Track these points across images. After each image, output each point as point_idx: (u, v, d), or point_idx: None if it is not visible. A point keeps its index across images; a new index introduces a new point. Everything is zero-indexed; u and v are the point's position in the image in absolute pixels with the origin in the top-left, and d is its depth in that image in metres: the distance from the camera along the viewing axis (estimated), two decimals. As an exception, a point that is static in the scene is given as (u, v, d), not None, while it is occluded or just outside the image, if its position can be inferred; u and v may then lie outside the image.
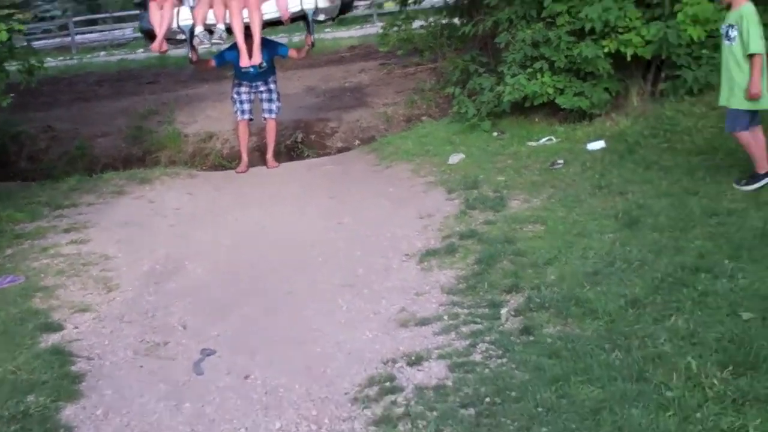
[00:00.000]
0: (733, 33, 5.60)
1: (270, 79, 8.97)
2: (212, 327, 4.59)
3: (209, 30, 8.07)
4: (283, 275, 5.41)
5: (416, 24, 14.67)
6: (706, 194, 5.69)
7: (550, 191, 6.49)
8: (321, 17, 8.44)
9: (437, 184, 7.23)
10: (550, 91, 8.28)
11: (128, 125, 11.29)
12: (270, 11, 8.17)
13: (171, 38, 8.35)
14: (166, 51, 8.47)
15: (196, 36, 8.00)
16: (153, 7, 7.94)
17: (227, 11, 8.00)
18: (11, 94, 7.60)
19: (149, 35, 8.34)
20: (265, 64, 8.52)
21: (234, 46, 8.61)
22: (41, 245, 6.29)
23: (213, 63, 9.20)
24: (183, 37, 8.24)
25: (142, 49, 24.40)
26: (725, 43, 5.73)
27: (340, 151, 10.64)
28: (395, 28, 14.65)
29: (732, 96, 5.71)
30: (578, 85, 8.33)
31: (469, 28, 9.35)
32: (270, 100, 9.03)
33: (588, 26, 7.86)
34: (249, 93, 8.94)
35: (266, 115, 9.12)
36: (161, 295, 5.26)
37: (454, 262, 5.18)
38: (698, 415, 3.05)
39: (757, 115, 5.75)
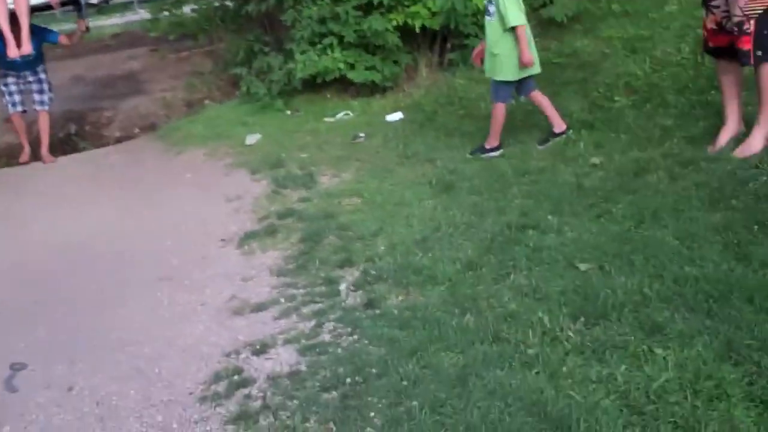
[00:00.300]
0: (492, 8, 5.74)
1: (39, 69, 8.24)
2: (17, 339, 4.00)
3: None
4: (89, 276, 4.85)
5: (186, 9, 14.19)
6: (513, 155, 5.78)
7: (356, 164, 6.34)
8: (94, 0, 7.74)
9: (238, 165, 6.88)
10: (342, 66, 8.16)
11: None
12: None
13: None
14: None
15: None
16: None
17: None
18: None
19: None
20: (33, 53, 7.81)
21: None
22: None
23: None
24: None
25: None
26: (486, 18, 5.86)
27: (119, 141, 9.95)
28: (165, 13, 14.06)
29: (494, 68, 5.87)
30: (369, 59, 8.26)
31: (252, 7, 8.99)
32: (41, 91, 8.29)
33: (376, 0, 7.80)
34: (17, 84, 8.15)
35: (38, 107, 8.32)
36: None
37: (277, 242, 4.88)
38: (564, 369, 3.00)
39: (530, 81, 5.92)
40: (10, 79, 8.07)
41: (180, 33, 13.83)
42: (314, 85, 8.62)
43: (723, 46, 4.79)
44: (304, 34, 8.28)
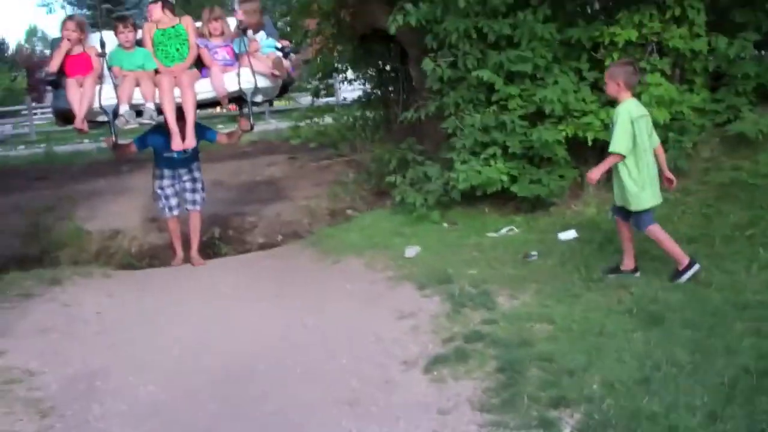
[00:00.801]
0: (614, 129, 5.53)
1: (194, 166, 8.08)
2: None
3: (137, 110, 7.12)
4: (259, 390, 4.45)
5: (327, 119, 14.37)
6: (722, 285, 5.17)
7: (535, 286, 5.83)
8: (259, 98, 7.49)
9: (401, 278, 6.46)
10: (504, 178, 7.77)
11: (22, 222, 10.06)
12: (204, 91, 7.26)
13: (91, 120, 7.29)
14: (87, 131, 7.35)
15: (121, 116, 6.97)
16: (71, 84, 6.95)
17: (156, 89, 7.08)
18: None
19: (64, 116, 7.33)
20: (190, 150, 7.68)
21: (156, 129, 7.79)
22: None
23: (134, 148, 8.11)
24: (105, 118, 7.17)
25: (23, 146, 22.95)
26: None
27: (262, 247, 9.80)
28: (307, 121, 14.23)
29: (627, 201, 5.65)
30: (534, 171, 7.87)
31: (411, 114, 8.77)
32: (194, 191, 8.10)
33: (548, 109, 7.43)
34: (173, 185, 7.99)
35: (189, 207, 8.13)
36: (111, 419, 4.21)
37: (471, 370, 4.36)
38: None
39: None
40: (166, 182, 7.98)
41: (322, 141, 13.98)
42: (471, 197, 8.24)
43: None
44: (466, 143, 7.97)
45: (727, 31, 7.30)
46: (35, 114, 30.41)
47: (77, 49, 7.12)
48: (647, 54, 7.47)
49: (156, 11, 7.42)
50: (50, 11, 44.57)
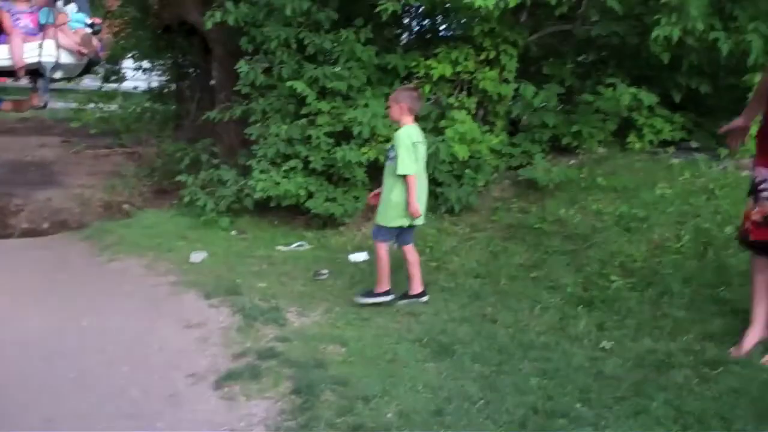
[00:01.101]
0: (392, 153, 5.66)
1: None
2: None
3: None
4: (30, 397, 3.99)
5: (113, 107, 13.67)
6: (507, 323, 5.31)
7: (325, 304, 5.75)
8: (59, 74, 6.91)
9: (186, 285, 6.13)
10: (302, 192, 7.66)
11: None
12: (0, 57, 6.57)
13: None
14: None
15: None
16: None
17: None
18: None
19: None
20: None
21: None
22: None
23: None
24: None
25: None
26: (387, 162, 5.77)
27: (25, 233, 9.06)
28: (92, 105, 13.43)
29: (383, 212, 5.73)
30: (331, 190, 7.81)
31: (215, 114, 8.44)
32: None
33: (356, 130, 7.40)
34: None
35: None
36: None
37: (264, 389, 4.15)
38: None
39: (410, 232, 5.82)
40: None
41: (103, 128, 13.21)
42: (263, 208, 8.07)
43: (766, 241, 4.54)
44: (268, 152, 7.78)
45: (534, 81, 7.65)
46: None
47: None
48: (457, 91, 7.66)
49: None
50: None
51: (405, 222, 5.66)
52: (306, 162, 7.71)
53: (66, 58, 6.64)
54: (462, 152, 7.29)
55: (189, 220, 8.12)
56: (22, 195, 9.76)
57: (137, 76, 14.72)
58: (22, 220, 9.35)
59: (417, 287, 5.79)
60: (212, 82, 10.67)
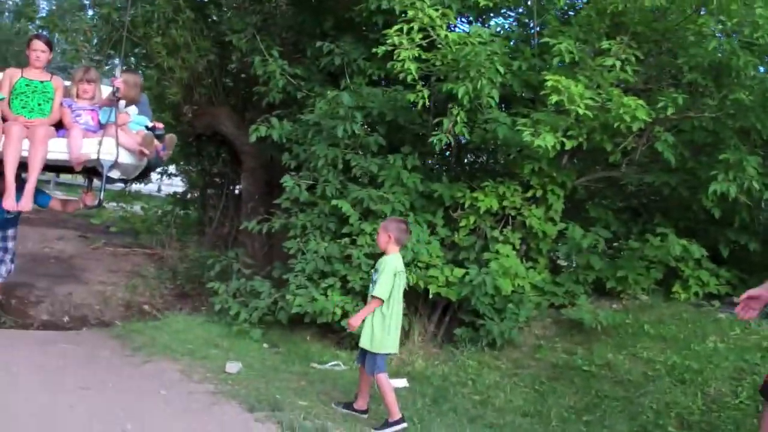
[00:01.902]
0: (375, 276, 5.81)
1: (10, 233, 6.97)
2: None
3: None
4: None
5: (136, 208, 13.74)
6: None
7: (369, 429, 5.57)
8: (116, 174, 6.45)
9: (225, 396, 5.94)
10: (338, 311, 7.56)
11: None
12: (57, 150, 6.16)
13: None
14: None
15: None
16: None
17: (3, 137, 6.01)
18: None
19: None
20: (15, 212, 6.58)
21: None
22: None
23: None
24: None
25: None
26: (371, 286, 5.87)
27: (45, 325, 8.96)
28: (114, 204, 13.50)
29: (364, 336, 5.78)
30: (366, 311, 7.70)
31: (253, 225, 8.43)
32: (1, 261, 6.95)
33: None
34: None
35: None
36: None
37: None
38: None
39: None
40: None
41: (124, 228, 13.21)
42: (295, 321, 7.95)
43: None
44: (306, 267, 7.72)
45: (578, 221, 7.71)
46: None
47: None
48: (501, 225, 7.70)
49: (41, 55, 6.51)
50: None
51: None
52: (344, 280, 7.64)
53: (125, 158, 6.26)
54: (506, 286, 7.26)
55: (219, 327, 7.99)
56: (42, 287, 9.70)
57: (161, 179, 14.81)
58: (42, 311, 9.27)
59: (363, 404, 5.92)
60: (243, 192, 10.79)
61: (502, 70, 6.82)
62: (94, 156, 6.14)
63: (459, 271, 7.55)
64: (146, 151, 6.27)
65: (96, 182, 6.83)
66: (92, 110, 6.49)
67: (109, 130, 6.18)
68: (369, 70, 8.47)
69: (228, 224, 11.56)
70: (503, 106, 7.96)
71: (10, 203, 5.97)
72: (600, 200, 8.28)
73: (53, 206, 7.07)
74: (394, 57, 6.84)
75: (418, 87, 7.01)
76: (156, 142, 6.44)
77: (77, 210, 7.31)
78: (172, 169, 13.92)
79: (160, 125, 6.76)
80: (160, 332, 7.67)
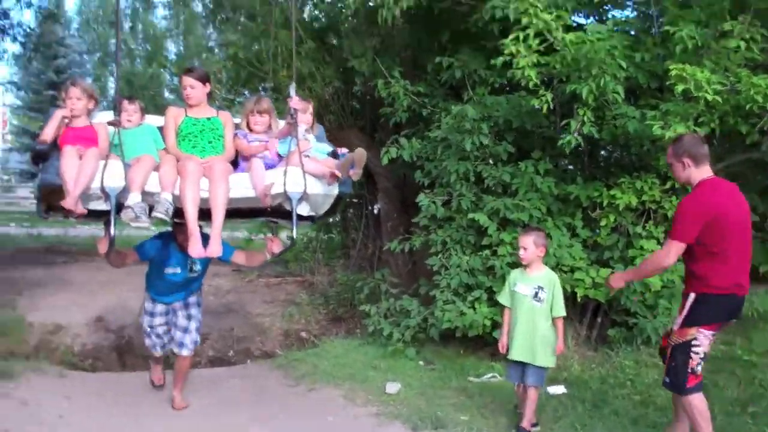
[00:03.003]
0: (543, 295, 5.79)
1: (192, 300, 6.59)
2: None
3: (151, 203, 5.23)
4: None
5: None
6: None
7: (534, 440, 5.67)
8: (305, 210, 5.63)
9: (389, 417, 6.20)
10: (487, 323, 7.66)
11: (-47, 308, 9.49)
12: (240, 186, 5.49)
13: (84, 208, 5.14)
14: (83, 214, 5.14)
15: (128, 207, 5.04)
16: (68, 153, 5.16)
17: (179, 177, 5.35)
18: None
19: (49, 196, 5.35)
20: (199, 268, 6.36)
21: (160, 237, 6.37)
22: None
23: (135, 257, 6.33)
24: (101, 206, 5.18)
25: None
26: (534, 303, 5.82)
27: (212, 361, 9.49)
28: (261, 235, 14.03)
29: (538, 353, 5.79)
30: (514, 320, 7.78)
31: (395, 245, 8.67)
32: (186, 330, 6.55)
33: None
34: (166, 323, 6.59)
35: (176, 349, 6.56)
36: None
37: None
38: None
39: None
40: (158, 319, 6.57)
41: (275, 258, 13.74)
42: (447, 337, 8.10)
43: None
44: (451, 282, 7.87)
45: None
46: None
47: (81, 121, 5.51)
48: (642, 220, 7.60)
49: (191, 92, 5.92)
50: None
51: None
52: (490, 292, 7.74)
53: (314, 188, 5.49)
54: (655, 282, 7.17)
55: (375, 349, 8.24)
56: (206, 323, 10.16)
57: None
58: (208, 348, 9.79)
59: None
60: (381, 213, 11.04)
61: (624, 64, 6.75)
62: (280, 189, 5.41)
63: (604, 271, 7.50)
64: (339, 174, 5.50)
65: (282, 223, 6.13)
66: (268, 142, 5.83)
67: (292, 159, 5.52)
68: (491, 79, 8.53)
69: (371, 245, 11.86)
70: (631, 99, 7.84)
71: (197, 250, 5.29)
72: (743, 183, 7.99)
73: (236, 260, 6.47)
74: (513, 66, 6.89)
75: (541, 91, 7.03)
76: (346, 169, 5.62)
77: (264, 263, 6.66)
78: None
79: (344, 150, 5.90)
80: (320, 359, 8.01)
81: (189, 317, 6.61)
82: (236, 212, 5.70)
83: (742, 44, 6.50)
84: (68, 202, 4.94)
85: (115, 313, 9.93)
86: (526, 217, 7.67)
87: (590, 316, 7.99)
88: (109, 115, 5.56)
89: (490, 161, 8.17)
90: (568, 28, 6.79)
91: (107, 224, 5.32)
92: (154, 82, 34.26)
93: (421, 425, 5.91)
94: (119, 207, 5.12)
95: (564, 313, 5.82)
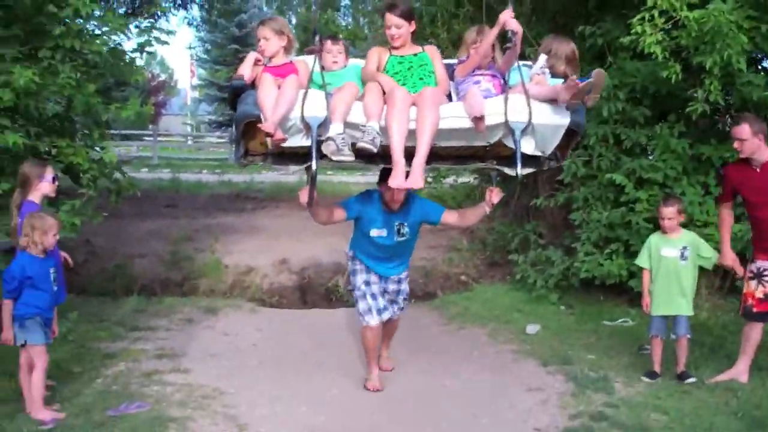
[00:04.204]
0: (687, 253, 6.54)
1: (404, 267, 6.36)
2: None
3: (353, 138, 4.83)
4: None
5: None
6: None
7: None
8: (530, 147, 4.98)
9: (525, 354, 7.20)
10: (624, 273, 8.43)
11: (163, 249, 11.25)
12: (452, 115, 4.88)
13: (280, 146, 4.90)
14: (283, 140, 4.78)
15: (331, 139, 4.69)
16: (266, 80, 4.89)
17: (385, 105, 4.91)
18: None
19: (246, 130, 4.95)
20: (407, 230, 6.03)
21: (367, 194, 6.04)
22: (140, 369, 6.21)
23: (342, 213, 5.90)
24: (302, 142, 4.84)
25: (146, 169, 24.27)
26: (681, 263, 6.52)
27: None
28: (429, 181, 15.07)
29: (683, 305, 6.56)
30: (650, 270, 8.51)
31: (541, 200, 9.56)
32: (394, 302, 6.42)
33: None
34: (380, 283, 6.21)
35: (395, 314, 6.50)
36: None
37: (599, 445, 5.09)
38: None
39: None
40: (374, 276, 6.18)
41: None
42: (588, 284, 8.92)
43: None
44: (591, 236, 8.67)
45: None
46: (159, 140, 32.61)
47: (279, 59, 5.16)
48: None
49: (396, 32, 5.33)
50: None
51: None
52: (627, 245, 8.48)
53: (542, 116, 4.83)
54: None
55: (521, 294, 9.23)
56: (376, 268, 11.48)
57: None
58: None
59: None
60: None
61: (745, 39, 7.21)
62: (500, 119, 4.82)
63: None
64: (567, 96, 4.74)
65: (505, 169, 5.52)
66: (493, 76, 5.20)
67: (516, 87, 4.98)
68: (632, 45, 9.07)
69: (528, 197, 12.68)
70: (759, 66, 8.22)
71: (398, 180, 4.81)
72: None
73: (447, 220, 6.17)
74: (640, 44, 7.50)
75: (670, 63, 7.60)
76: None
77: (481, 218, 6.21)
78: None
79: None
80: (471, 302, 9.12)
81: (398, 292, 6.46)
82: (445, 155, 5.34)
83: None
84: (267, 126, 4.65)
85: (297, 255, 11.25)
86: (661, 176, 8.33)
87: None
88: (308, 60, 5.20)
89: (628, 124, 8.81)
90: (691, 6, 7.28)
91: (308, 170, 5.08)
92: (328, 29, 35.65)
93: (551, 361, 6.88)
94: (319, 142, 4.77)
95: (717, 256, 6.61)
